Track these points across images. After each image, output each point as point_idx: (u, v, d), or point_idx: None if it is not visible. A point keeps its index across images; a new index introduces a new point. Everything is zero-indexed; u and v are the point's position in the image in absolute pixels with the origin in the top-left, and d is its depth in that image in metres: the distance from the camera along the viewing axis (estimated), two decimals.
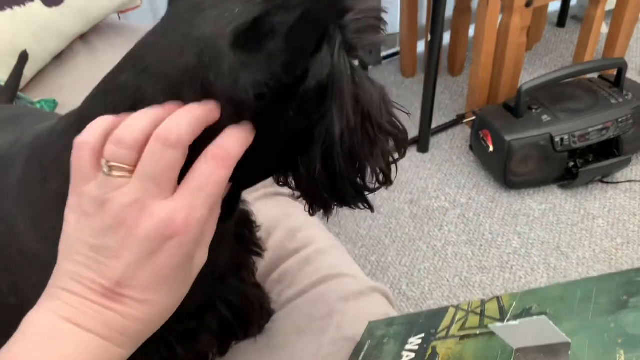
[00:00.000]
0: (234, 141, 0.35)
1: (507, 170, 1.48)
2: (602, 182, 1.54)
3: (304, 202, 0.45)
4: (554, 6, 2.22)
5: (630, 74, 1.85)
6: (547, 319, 0.38)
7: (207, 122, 0.35)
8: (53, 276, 0.35)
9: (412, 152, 1.72)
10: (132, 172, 0.34)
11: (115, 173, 0.34)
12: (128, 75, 0.38)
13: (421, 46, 1.99)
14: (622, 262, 1.34)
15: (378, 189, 0.45)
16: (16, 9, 0.95)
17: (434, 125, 1.72)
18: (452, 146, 1.73)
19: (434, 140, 1.74)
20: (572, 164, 1.49)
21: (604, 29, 1.97)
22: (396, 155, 0.45)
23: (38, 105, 0.89)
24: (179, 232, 0.33)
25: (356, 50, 0.39)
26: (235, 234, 0.55)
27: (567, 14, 2.20)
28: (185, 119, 0.34)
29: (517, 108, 1.47)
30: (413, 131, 1.76)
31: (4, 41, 0.95)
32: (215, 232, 0.44)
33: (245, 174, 0.40)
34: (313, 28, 0.34)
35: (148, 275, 0.34)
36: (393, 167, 0.45)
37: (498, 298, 0.49)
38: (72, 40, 1.06)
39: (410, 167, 1.67)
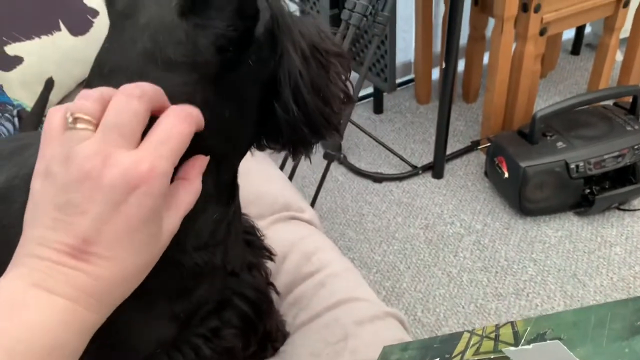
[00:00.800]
0: (191, 108, 0.37)
1: (523, 197, 1.48)
2: (619, 209, 1.53)
3: (286, 150, 0.49)
4: (569, 34, 2.24)
5: None
6: (560, 344, 0.38)
7: (162, 96, 0.36)
8: (19, 245, 0.34)
9: (427, 178, 1.73)
10: (96, 125, 0.34)
11: (79, 125, 0.34)
12: (96, 83, 0.39)
13: (436, 73, 2.01)
14: None
15: (344, 110, 0.49)
16: (44, 37, 0.99)
17: (448, 151, 1.73)
18: (467, 172, 1.73)
19: (448, 167, 1.75)
20: (588, 190, 1.48)
21: (619, 56, 1.98)
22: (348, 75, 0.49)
23: None
24: (144, 181, 0.33)
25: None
26: (244, 240, 0.56)
27: (581, 42, 2.22)
28: (147, 84, 0.35)
29: (531, 135, 1.48)
30: (428, 157, 1.77)
31: (31, 69, 0.98)
32: (222, 222, 0.46)
33: (231, 138, 0.44)
34: None
35: (114, 228, 0.33)
36: (348, 84, 0.49)
37: (512, 323, 0.49)
38: None
39: (425, 192, 1.68)
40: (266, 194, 0.87)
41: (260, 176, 0.92)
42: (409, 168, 1.75)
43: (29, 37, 0.98)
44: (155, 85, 0.36)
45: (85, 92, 0.35)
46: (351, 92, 0.49)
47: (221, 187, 0.45)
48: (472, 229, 1.54)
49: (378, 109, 2.00)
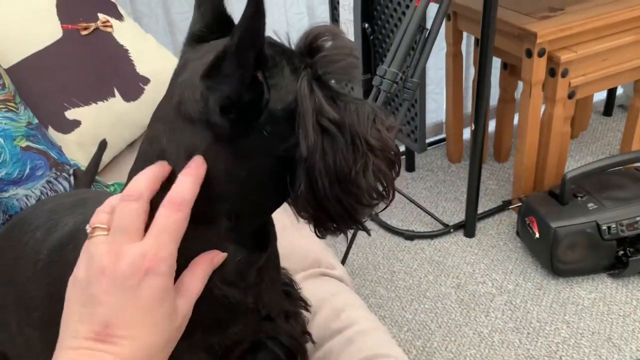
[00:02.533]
0: (185, 187, 0.43)
1: (554, 257, 1.48)
2: None
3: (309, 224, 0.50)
4: (601, 95, 2.26)
5: None
6: None
7: (162, 176, 0.44)
8: (58, 341, 0.41)
9: (458, 237, 1.74)
10: (109, 230, 0.42)
11: (96, 233, 0.42)
12: (151, 130, 0.47)
13: (467, 133, 2.06)
14: None
15: (373, 207, 0.49)
16: (100, 103, 1.08)
17: (480, 210, 1.75)
18: (499, 231, 1.74)
19: (480, 225, 1.76)
20: (621, 252, 1.47)
21: None
22: (389, 173, 0.48)
23: (112, 188, 0.99)
24: (152, 266, 0.40)
25: (327, 78, 0.47)
26: (283, 291, 0.60)
27: (613, 103, 2.24)
28: (144, 177, 0.43)
29: (562, 195, 1.49)
30: (460, 216, 1.79)
31: (87, 131, 1.07)
32: (251, 266, 0.50)
33: (251, 202, 0.48)
34: (252, 42, 0.41)
35: (131, 310, 0.40)
36: (386, 184, 0.48)
37: None
38: (144, 129, 1.18)
39: (456, 251, 1.69)
40: (298, 250, 0.92)
41: (293, 231, 0.97)
42: (441, 226, 1.77)
43: (86, 103, 1.07)
44: (179, 135, 0.44)
45: (99, 208, 0.45)
46: (387, 191, 0.48)
47: (243, 233, 0.49)
48: (504, 288, 1.54)
49: (410, 166, 2.05)
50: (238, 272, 0.50)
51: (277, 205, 0.51)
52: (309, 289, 0.85)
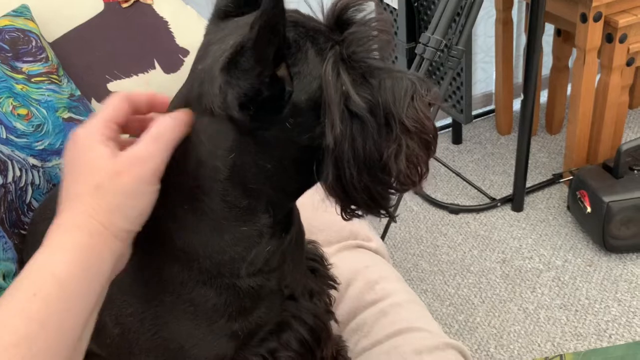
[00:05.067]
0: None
1: (606, 233, 1.41)
2: None
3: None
4: None
5: None
6: None
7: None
8: (62, 216, 0.42)
9: (505, 211, 1.69)
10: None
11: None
12: None
13: (517, 104, 1.97)
14: None
15: (403, 192, 0.46)
16: (140, 75, 1.10)
17: (529, 183, 1.69)
18: (548, 206, 1.68)
19: (529, 199, 1.70)
20: None
21: None
22: (423, 156, 0.45)
23: None
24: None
25: (357, 58, 0.43)
26: (309, 267, 0.60)
27: None
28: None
29: (616, 168, 1.42)
30: (507, 189, 1.74)
31: None
32: (276, 253, 0.49)
33: (281, 191, 0.46)
34: (271, 38, 0.39)
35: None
36: (419, 168, 0.45)
37: (561, 356, 0.49)
38: None
39: (503, 225, 1.64)
40: (334, 223, 0.91)
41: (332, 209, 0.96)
42: (487, 200, 1.72)
43: (127, 75, 1.08)
44: (203, 129, 0.44)
45: None
46: (418, 176, 0.45)
47: (275, 224, 0.49)
48: (552, 264, 1.49)
49: (457, 139, 2.00)
50: (265, 261, 0.49)
51: (307, 188, 0.50)
52: (344, 260, 0.85)
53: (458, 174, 1.81)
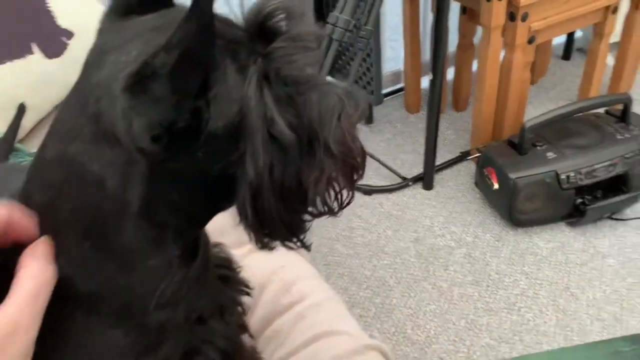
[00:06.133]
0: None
1: (513, 209, 1.46)
2: (611, 219, 1.51)
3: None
4: (559, 39, 2.22)
5: (637, 107, 1.83)
6: None
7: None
8: None
9: (417, 190, 1.71)
10: None
11: None
12: (51, 145, 0.38)
13: (426, 82, 1.99)
14: (633, 304, 1.30)
15: (319, 217, 0.41)
16: (16, 61, 0.97)
17: (439, 161, 1.71)
18: (457, 183, 1.71)
19: (438, 177, 1.73)
20: (579, 201, 1.46)
21: (610, 61, 1.96)
22: (348, 183, 0.41)
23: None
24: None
25: (284, 78, 0.37)
26: (218, 276, 0.54)
27: (572, 46, 2.20)
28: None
29: (521, 145, 1.46)
30: (418, 168, 1.75)
31: (5, 93, 0.96)
32: (185, 281, 0.43)
33: (186, 216, 0.40)
34: (195, 68, 0.33)
35: None
36: (341, 196, 0.41)
37: None
38: None
39: (415, 204, 1.65)
40: None
41: None
42: (399, 180, 1.72)
43: (0, 62, 0.95)
44: (106, 158, 0.35)
45: None
46: (339, 204, 0.41)
47: (183, 252, 0.43)
48: (463, 241, 1.52)
49: (368, 119, 1.98)
50: (174, 292, 0.43)
51: (218, 213, 0.44)
52: (257, 261, 0.79)
53: (370, 155, 1.79)
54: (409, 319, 1.34)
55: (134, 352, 0.43)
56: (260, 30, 0.38)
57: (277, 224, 0.39)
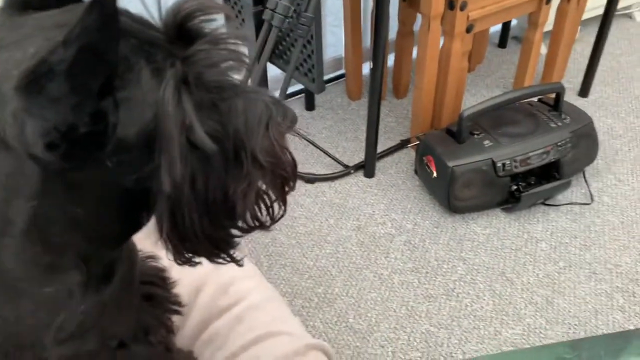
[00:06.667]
0: None
1: (451, 196, 1.48)
2: (544, 204, 1.56)
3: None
4: (496, 27, 2.26)
5: (569, 95, 1.90)
6: None
7: None
8: None
9: (358, 177, 1.71)
10: None
11: None
12: None
13: (367, 68, 1.98)
14: (564, 287, 1.36)
15: (249, 233, 0.40)
16: None
17: (380, 149, 1.72)
18: (397, 170, 1.72)
19: (380, 165, 1.73)
20: (514, 187, 1.50)
21: (544, 49, 2.02)
22: (278, 195, 0.39)
23: None
24: None
25: (207, 83, 0.35)
26: (144, 295, 0.51)
27: (508, 35, 2.25)
28: None
29: (459, 134, 1.48)
30: (360, 156, 1.75)
31: None
32: (93, 309, 0.40)
33: (93, 235, 0.37)
34: (97, 64, 0.30)
35: None
36: (272, 209, 0.40)
37: None
38: None
39: (357, 192, 1.66)
40: None
41: None
42: (341, 167, 1.72)
43: None
44: None
45: None
46: (271, 218, 0.40)
47: (90, 279, 0.39)
48: (403, 228, 1.54)
49: (310, 105, 1.96)
50: (78, 325, 0.40)
51: (132, 234, 0.41)
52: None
53: (312, 143, 1.78)
54: (350, 307, 1.34)
55: None
56: (179, 31, 0.35)
57: (202, 240, 0.37)
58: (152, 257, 0.58)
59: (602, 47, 1.86)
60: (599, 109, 1.91)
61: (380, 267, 1.44)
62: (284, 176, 0.39)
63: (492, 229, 1.52)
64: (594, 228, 1.50)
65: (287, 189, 0.41)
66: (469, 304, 1.33)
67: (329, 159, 1.76)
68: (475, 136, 1.50)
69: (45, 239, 0.35)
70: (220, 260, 0.41)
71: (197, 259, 0.41)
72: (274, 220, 0.41)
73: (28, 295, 0.36)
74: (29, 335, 0.38)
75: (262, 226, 0.40)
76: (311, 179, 1.69)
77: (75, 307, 0.39)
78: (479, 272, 1.41)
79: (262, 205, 0.39)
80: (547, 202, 1.57)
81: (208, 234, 0.37)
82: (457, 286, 1.38)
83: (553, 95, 1.58)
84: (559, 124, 1.53)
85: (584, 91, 1.96)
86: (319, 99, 1.99)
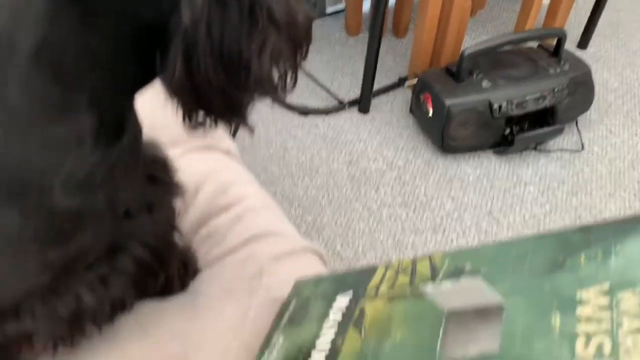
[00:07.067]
0: None
1: (445, 135, 1.48)
2: (535, 150, 1.57)
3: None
4: None
5: (569, 45, 1.88)
6: (481, 281, 0.37)
7: None
8: None
9: (353, 113, 1.70)
10: None
11: None
12: None
13: (367, 4, 1.95)
14: (548, 228, 1.38)
15: (261, 97, 0.38)
16: None
17: (376, 86, 1.70)
18: (392, 108, 1.72)
19: (375, 102, 1.72)
20: (508, 131, 1.51)
21: (546, 0, 1.99)
22: (292, 58, 0.38)
23: None
24: None
25: None
26: (147, 176, 0.50)
27: None
28: None
29: (458, 73, 1.47)
30: (355, 92, 1.74)
31: None
32: (102, 165, 0.39)
33: (107, 74, 0.36)
34: None
35: None
36: (286, 71, 0.38)
37: (430, 257, 0.47)
38: None
39: (350, 128, 1.65)
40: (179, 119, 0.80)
41: None
42: (336, 102, 1.71)
43: None
44: None
45: None
46: (283, 81, 0.38)
47: (101, 127, 0.38)
48: (394, 165, 1.55)
49: None
50: (87, 175, 0.39)
51: (145, 84, 0.39)
52: (192, 162, 0.75)
53: (308, 75, 1.76)
54: (339, 236, 1.36)
55: (37, 239, 0.39)
56: None
57: (215, 92, 0.36)
58: (155, 143, 0.57)
59: (604, 0, 1.84)
60: (596, 61, 1.91)
61: (369, 200, 1.45)
62: (299, 39, 0.38)
63: (482, 170, 1.53)
64: (582, 175, 1.52)
65: (299, 57, 0.39)
66: (454, 239, 1.36)
67: (324, 92, 1.74)
68: (474, 76, 1.49)
69: (56, 70, 0.33)
70: (232, 122, 0.40)
71: (207, 121, 0.40)
72: (285, 85, 0.40)
73: (36, 135, 0.35)
74: (35, 179, 0.37)
75: (275, 89, 0.39)
76: (305, 112, 1.67)
77: (84, 156, 0.38)
78: (466, 210, 1.43)
79: (276, 66, 0.38)
80: (538, 148, 1.58)
81: (222, 86, 0.36)
82: (444, 222, 1.40)
83: (554, 43, 1.57)
84: (558, 70, 1.52)
85: (583, 43, 1.96)
86: (316, 31, 1.94)
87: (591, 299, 0.35)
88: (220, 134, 0.86)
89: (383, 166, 1.54)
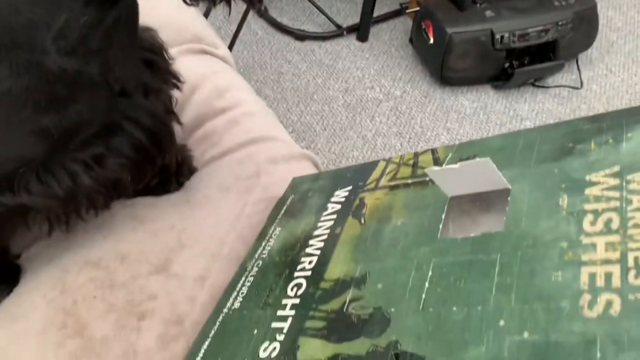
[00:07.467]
0: None
1: (445, 65, 1.46)
2: (533, 85, 1.55)
3: None
4: None
5: None
6: (490, 161, 0.36)
7: None
8: None
9: (351, 40, 1.66)
10: None
11: None
12: None
13: None
14: None
15: None
16: None
17: (376, 13, 1.65)
18: (392, 37, 1.67)
19: (374, 30, 1.68)
20: (508, 64, 1.48)
21: None
22: None
23: None
24: None
25: None
26: (144, 60, 0.49)
27: None
28: None
29: (462, 1, 1.43)
30: (354, 18, 1.69)
31: None
32: (96, 28, 0.38)
33: None
34: None
35: None
36: None
37: (433, 150, 0.46)
38: None
39: (348, 55, 1.61)
40: (175, 21, 0.78)
41: (170, 2, 0.81)
42: (334, 28, 1.66)
43: None
44: None
45: None
46: None
47: None
48: (391, 95, 1.52)
49: None
50: (81, 37, 0.37)
51: None
52: (188, 64, 0.73)
53: None
54: (332, 162, 1.35)
55: (29, 99, 0.38)
56: None
57: None
58: (151, 29, 0.55)
59: None
60: (601, 0, 1.86)
61: (364, 129, 1.44)
62: None
63: (479, 104, 1.51)
64: (579, 112, 1.51)
65: None
66: None
67: (322, 17, 1.69)
68: (478, 5, 1.45)
69: None
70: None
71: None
72: None
73: None
74: (26, 33, 0.35)
75: None
76: (301, 36, 1.63)
77: (78, 15, 0.36)
78: (461, 141, 1.41)
79: None
80: (536, 84, 1.56)
81: None
82: None
83: None
84: (563, 3, 1.48)
85: None
86: None
87: (600, 180, 0.34)
88: (216, 41, 0.83)
89: (379, 95, 1.52)
